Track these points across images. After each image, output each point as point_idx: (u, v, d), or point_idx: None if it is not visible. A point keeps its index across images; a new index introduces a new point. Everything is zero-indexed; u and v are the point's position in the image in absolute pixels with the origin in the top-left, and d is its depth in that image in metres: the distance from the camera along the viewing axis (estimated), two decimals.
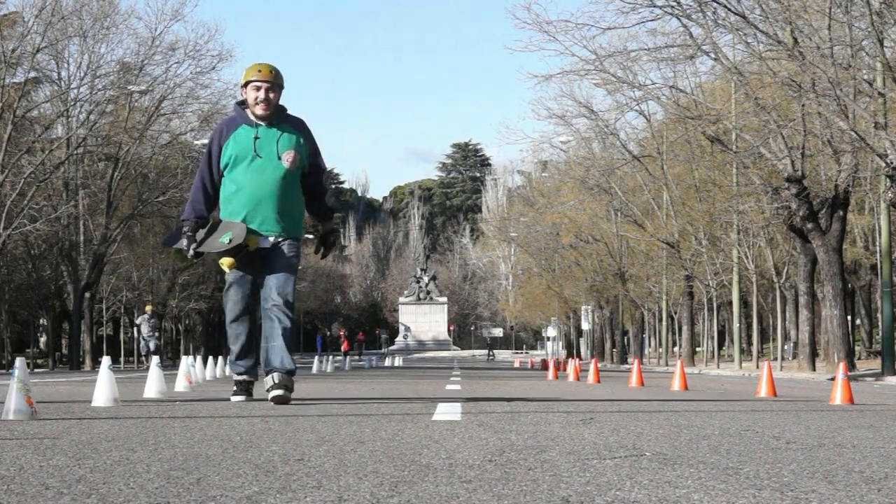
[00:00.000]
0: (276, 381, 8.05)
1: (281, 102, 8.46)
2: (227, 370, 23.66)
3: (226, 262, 8.32)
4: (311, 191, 8.61)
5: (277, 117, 8.39)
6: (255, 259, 8.40)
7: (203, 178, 8.46)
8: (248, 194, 8.30)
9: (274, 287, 8.27)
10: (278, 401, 8.05)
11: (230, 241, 8.21)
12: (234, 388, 8.76)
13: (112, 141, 46.28)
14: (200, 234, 8.43)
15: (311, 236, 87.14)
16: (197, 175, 8.54)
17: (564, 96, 47.44)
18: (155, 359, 10.85)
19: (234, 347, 8.59)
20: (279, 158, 8.29)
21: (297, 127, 8.47)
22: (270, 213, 8.32)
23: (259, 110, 8.30)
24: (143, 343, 37.69)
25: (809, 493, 3.21)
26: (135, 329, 58.39)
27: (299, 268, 8.93)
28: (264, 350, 8.22)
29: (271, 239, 8.42)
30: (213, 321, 69.17)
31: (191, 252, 8.38)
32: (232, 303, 8.53)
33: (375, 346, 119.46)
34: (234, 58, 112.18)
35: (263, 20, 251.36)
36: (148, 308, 38.05)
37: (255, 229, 8.34)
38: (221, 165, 8.39)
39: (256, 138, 8.32)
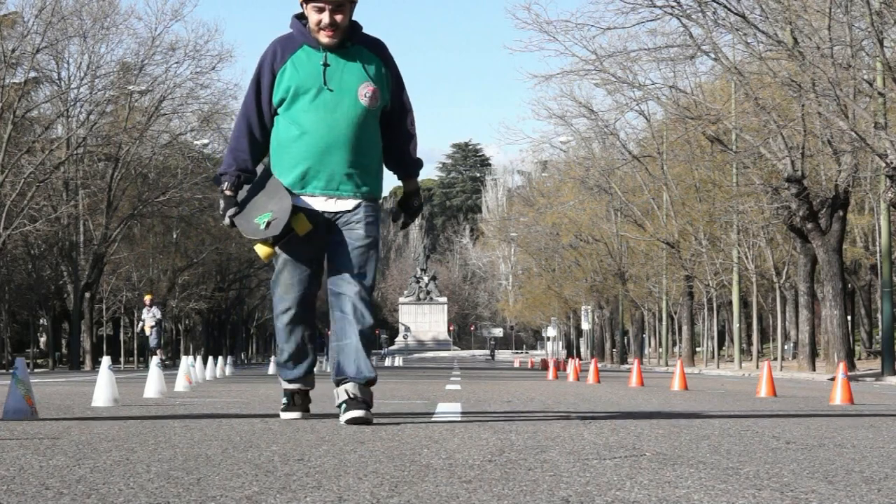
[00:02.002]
0: (352, 396, 6.09)
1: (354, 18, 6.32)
2: (228, 370, 23.64)
3: (262, 252, 6.34)
4: (394, 137, 6.46)
5: (350, 38, 6.28)
6: (317, 230, 6.28)
7: (248, 118, 6.32)
8: (312, 141, 6.19)
9: (348, 269, 6.24)
10: (357, 423, 5.99)
11: (267, 224, 6.16)
12: (284, 400, 6.70)
13: (112, 141, 46.29)
14: (243, 193, 6.33)
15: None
16: (240, 114, 6.41)
17: (564, 96, 47.43)
18: (155, 359, 9.99)
19: (284, 348, 6.56)
20: (355, 93, 6.20)
21: (377, 51, 6.35)
22: (342, 165, 6.21)
23: (324, 38, 6.20)
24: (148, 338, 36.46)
25: (809, 493, 3.21)
26: (137, 328, 58.43)
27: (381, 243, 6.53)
28: (334, 352, 6.28)
29: (341, 203, 6.28)
30: (212, 321, 69.18)
31: (227, 220, 6.28)
32: (282, 289, 6.45)
33: (375, 346, 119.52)
34: (234, 58, 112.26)
35: (263, 20, 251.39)
36: (146, 298, 37.07)
37: (306, 206, 6.23)
38: (275, 101, 6.27)
39: (325, 65, 6.20)
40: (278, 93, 6.24)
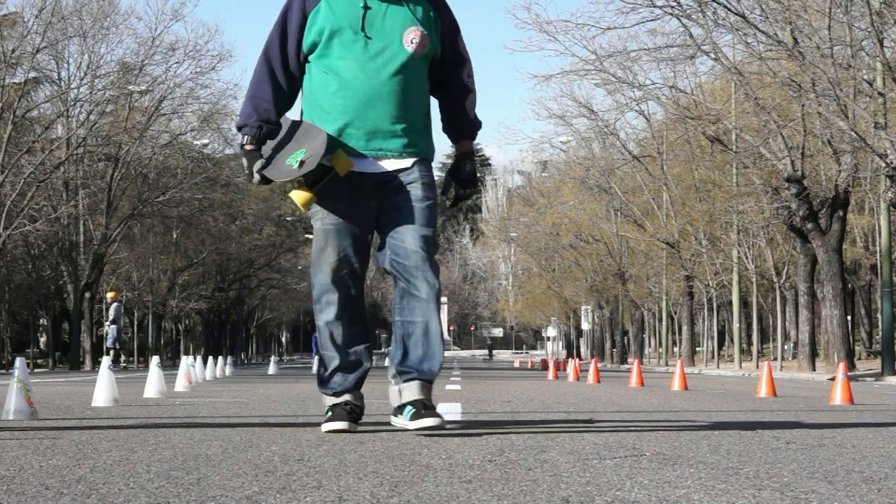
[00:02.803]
0: (419, 396, 5.17)
1: None
2: (228, 370, 23.58)
3: (298, 197, 5.30)
4: (447, 91, 5.57)
5: None
6: (361, 193, 5.38)
7: (271, 62, 5.43)
8: (351, 92, 5.32)
9: (410, 236, 5.26)
10: (430, 431, 5.08)
11: (301, 162, 5.23)
12: (328, 411, 5.43)
13: (112, 141, 46.28)
14: (268, 148, 5.44)
15: (311, 236, 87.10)
16: (260, 59, 5.47)
17: (564, 96, 47.48)
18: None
19: (327, 347, 5.39)
20: (399, 38, 5.38)
21: None
22: (386, 121, 5.34)
23: None
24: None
25: (809, 493, 3.21)
26: (134, 328, 58.45)
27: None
28: (399, 340, 5.26)
29: (387, 163, 5.38)
30: (212, 321, 69.18)
31: (255, 176, 5.34)
32: (327, 268, 5.33)
33: (376, 346, 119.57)
34: (234, 58, 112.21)
35: (263, 20, 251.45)
36: (109, 296, 36.62)
37: (346, 143, 5.33)
38: (306, 45, 5.40)
39: (366, 7, 5.38)
40: (310, 36, 5.39)
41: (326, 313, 5.36)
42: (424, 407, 5.09)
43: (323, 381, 5.43)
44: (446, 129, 5.67)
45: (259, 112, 5.37)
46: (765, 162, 33.30)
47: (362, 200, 5.36)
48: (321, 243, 5.37)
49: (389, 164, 5.36)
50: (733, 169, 38.39)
